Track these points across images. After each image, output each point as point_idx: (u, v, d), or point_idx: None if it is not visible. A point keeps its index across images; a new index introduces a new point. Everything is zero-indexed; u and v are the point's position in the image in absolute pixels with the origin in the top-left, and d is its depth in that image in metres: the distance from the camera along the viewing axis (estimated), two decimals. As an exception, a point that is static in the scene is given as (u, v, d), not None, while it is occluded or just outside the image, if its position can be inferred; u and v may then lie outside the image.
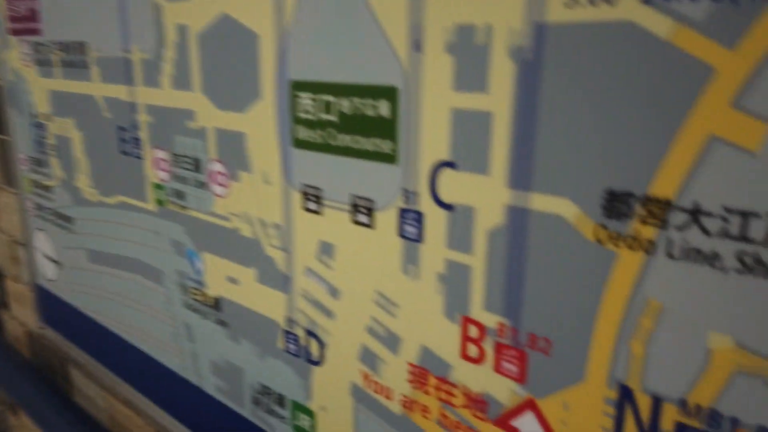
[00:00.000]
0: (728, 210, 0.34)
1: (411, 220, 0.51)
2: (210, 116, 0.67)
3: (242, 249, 0.68)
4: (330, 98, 0.53)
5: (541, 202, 0.42)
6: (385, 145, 0.50)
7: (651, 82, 0.35)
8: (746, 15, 0.32)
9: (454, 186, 0.47)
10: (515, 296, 0.45)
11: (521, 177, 0.43)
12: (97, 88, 0.85)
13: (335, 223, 0.57)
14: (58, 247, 1.09)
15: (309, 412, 0.67)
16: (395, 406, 0.57)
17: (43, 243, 1.14)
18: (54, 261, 1.12)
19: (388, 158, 0.51)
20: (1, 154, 1.24)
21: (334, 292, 0.59)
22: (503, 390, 0.48)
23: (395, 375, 0.56)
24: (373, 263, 0.55)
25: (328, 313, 0.61)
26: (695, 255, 0.36)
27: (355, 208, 0.55)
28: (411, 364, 0.54)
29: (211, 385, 0.81)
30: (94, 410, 1.18)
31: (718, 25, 0.33)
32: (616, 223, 0.39)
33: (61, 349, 1.22)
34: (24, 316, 1.39)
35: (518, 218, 0.43)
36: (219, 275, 0.73)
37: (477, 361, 0.49)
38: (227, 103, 0.65)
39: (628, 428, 0.41)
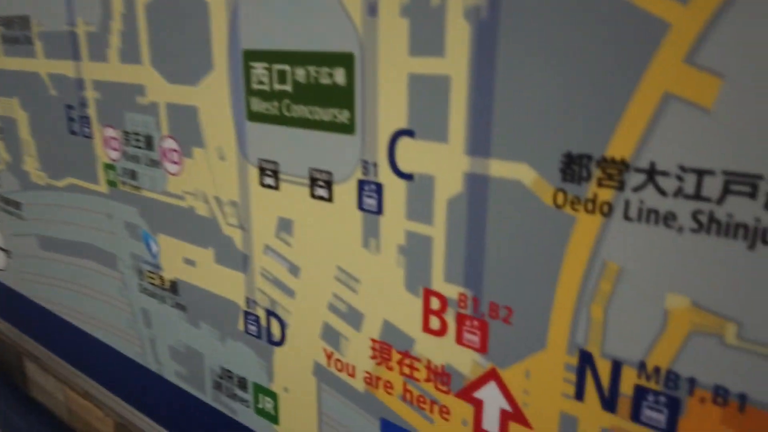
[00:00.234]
0: (683, 169, 0.34)
1: (370, 191, 0.49)
2: (161, 90, 0.64)
3: (198, 229, 0.66)
4: (284, 67, 0.52)
5: (499, 169, 0.41)
6: (342, 115, 0.49)
7: (607, 40, 0.35)
8: (701, -31, 0.31)
9: (412, 155, 0.46)
10: (476, 265, 0.44)
11: (480, 143, 0.42)
12: (41, 65, 0.80)
13: (293, 198, 0.55)
14: (7, 235, 1.04)
15: (272, 395, 0.65)
16: (359, 384, 0.56)
17: (-10, 231, 1.09)
18: (2, 249, 1.07)
19: (346, 128, 0.49)
20: (-57, 139, 1.17)
21: (294, 269, 0.58)
22: (466, 361, 0.47)
23: (358, 352, 0.55)
24: (333, 238, 0.53)
25: (288, 291, 0.59)
26: (651, 215, 0.35)
27: (314, 182, 0.53)
28: (374, 340, 0.53)
29: (171, 371, 0.79)
30: (52, 404, 1.14)
31: (673, -20, 0.32)
32: (575, 187, 0.38)
33: (15, 342, 1.17)
34: (-26, 310, 1.33)
35: (477, 186, 0.43)
36: (175, 257, 0.71)
37: (439, 333, 0.48)
38: (178, 76, 0.62)
39: (588, 394, 0.41)
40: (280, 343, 0.62)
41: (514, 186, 0.41)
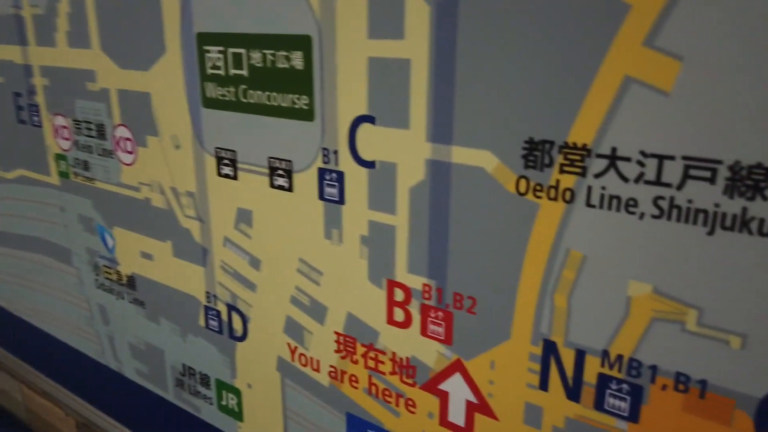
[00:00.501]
0: (644, 154, 0.33)
1: (331, 180, 0.48)
2: (112, 76, 0.61)
3: (155, 221, 0.64)
4: (240, 51, 0.49)
5: (462, 156, 0.40)
6: (300, 101, 0.47)
7: (568, 23, 0.34)
8: (661, -52, 0.30)
9: (374, 142, 0.44)
10: (439, 255, 0.44)
11: (442, 130, 0.41)
12: (-14, 50, 0.76)
13: (252, 188, 0.53)
14: (-44, 230, 0.99)
15: (235, 391, 0.63)
16: (324, 378, 0.55)
17: (-62, 227, 1.04)
18: (-48, 246, 1.02)
19: (305, 115, 0.47)
20: None
21: (254, 262, 0.56)
22: (431, 353, 0.47)
23: (322, 346, 0.54)
24: (295, 229, 0.52)
25: (249, 285, 0.57)
26: (613, 202, 0.35)
27: (273, 171, 0.51)
28: (338, 334, 0.52)
29: (131, 369, 0.76)
30: (10, 405, 1.10)
31: (634, -41, 0.31)
32: (537, 174, 0.37)
33: (-32, 342, 1.12)
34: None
35: (440, 173, 0.42)
36: (132, 251, 0.68)
37: (404, 325, 0.47)
38: (129, 61, 0.59)
39: (553, 384, 0.41)
40: (242, 339, 0.60)
41: (477, 173, 0.40)
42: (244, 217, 0.55)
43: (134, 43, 0.58)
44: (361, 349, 0.51)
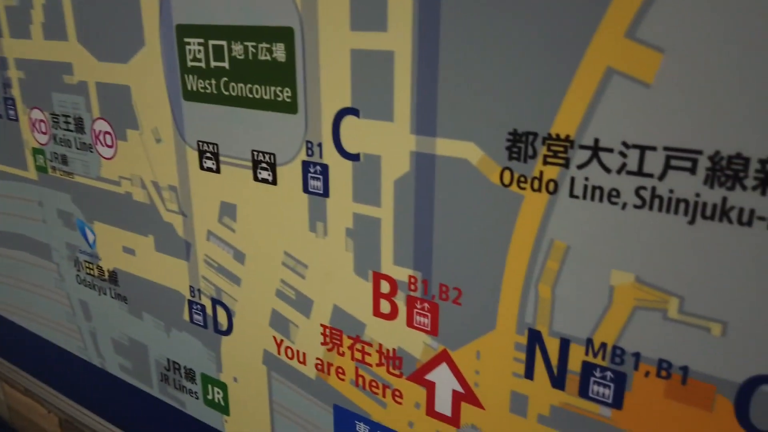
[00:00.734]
0: (626, 145, 0.33)
1: (316, 173, 0.48)
2: (89, 69, 0.60)
3: (137, 216, 0.63)
4: (221, 43, 0.49)
5: (446, 148, 0.40)
6: (283, 94, 0.47)
7: (551, 15, 0.34)
8: (643, -60, 0.30)
9: (358, 135, 0.44)
10: (425, 247, 0.44)
11: (426, 122, 0.41)
12: (-43, 42, 0.74)
13: (236, 181, 0.53)
14: (-70, 227, 0.97)
15: (221, 385, 0.63)
16: (310, 371, 0.55)
17: None
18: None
19: (288, 107, 0.47)
20: None
21: (239, 256, 0.56)
22: (417, 344, 0.47)
23: (308, 338, 0.54)
24: (279, 223, 0.51)
25: (234, 279, 0.57)
26: (596, 192, 0.35)
27: (256, 164, 0.51)
28: (324, 326, 0.52)
29: (114, 365, 0.75)
30: (-10, 403, 1.08)
31: (615, -49, 0.31)
32: (521, 165, 0.37)
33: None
34: None
35: (424, 165, 0.42)
36: (114, 246, 0.67)
37: (390, 317, 0.48)
38: (108, 53, 0.58)
39: (538, 372, 0.41)
40: (227, 333, 0.60)
41: (461, 165, 0.40)
42: (227, 210, 0.55)
43: (112, 35, 0.57)
44: (347, 342, 0.51)
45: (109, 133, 0.62)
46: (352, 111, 0.44)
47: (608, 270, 0.36)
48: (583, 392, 0.39)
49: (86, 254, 0.71)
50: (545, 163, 0.36)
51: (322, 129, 0.46)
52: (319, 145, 0.46)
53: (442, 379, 0.46)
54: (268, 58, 0.46)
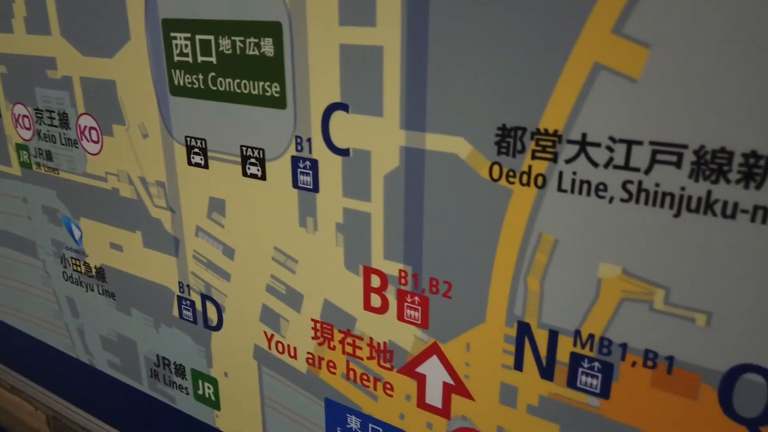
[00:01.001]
0: (613, 139, 0.34)
1: (305, 168, 0.48)
2: (74, 63, 0.59)
3: (124, 211, 0.62)
4: (208, 37, 0.48)
5: (436, 143, 0.40)
6: (272, 89, 0.46)
7: (539, 10, 0.34)
8: (629, -64, 0.31)
9: (347, 130, 0.44)
10: (415, 241, 0.44)
11: (415, 117, 0.41)
12: (-64, 36, 0.73)
13: (224, 176, 0.53)
14: None
15: (212, 380, 0.63)
16: (301, 365, 0.55)
17: None
18: None
19: (277, 102, 0.47)
20: None
21: (228, 251, 0.56)
22: (408, 337, 0.47)
23: (299, 333, 0.54)
24: (269, 218, 0.51)
25: (223, 274, 0.57)
26: (584, 186, 0.36)
27: (245, 160, 0.51)
28: (315, 321, 0.52)
29: (103, 361, 0.75)
30: (-24, 401, 1.07)
31: (602, -53, 0.32)
32: (510, 160, 0.38)
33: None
34: None
35: (414, 160, 0.42)
36: (101, 242, 0.67)
37: (380, 310, 0.48)
38: (92, 48, 0.57)
39: (527, 364, 0.42)
40: (217, 328, 0.60)
41: (451, 160, 0.40)
42: (216, 206, 0.55)
43: (96, 29, 0.56)
44: (338, 336, 0.51)
45: (94, 128, 0.61)
46: (342, 106, 0.44)
47: (596, 263, 0.37)
48: (572, 383, 0.40)
49: (73, 251, 0.71)
50: (534, 157, 0.37)
51: (311, 124, 0.46)
52: (309, 140, 0.46)
53: (433, 371, 0.47)
54: (257, 53, 0.46)
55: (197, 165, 0.54)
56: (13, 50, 0.65)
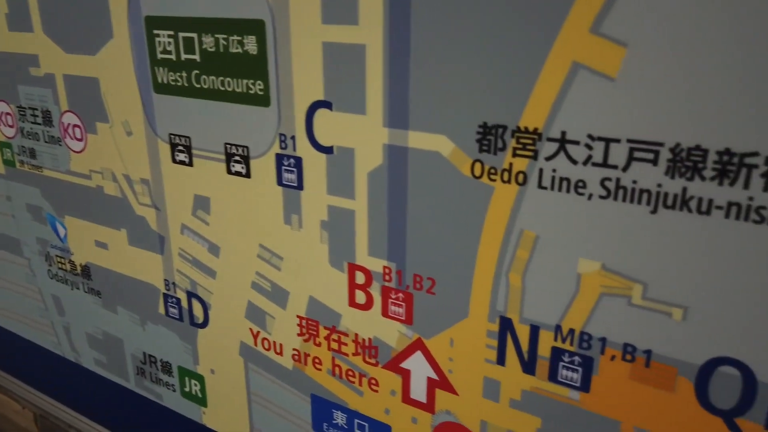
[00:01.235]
0: (592, 137, 0.34)
1: (289, 166, 0.48)
2: (57, 61, 0.59)
3: (109, 209, 0.62)
4: (191, 35, 0.48)
5: (418, 140, 0.41)
6: (256, 86, 0.47)
7: (518, 10, 0.34)
8: (606, -64, 0.31)
9: (331, 127, 0.44)
10: (399, 238, 0.44)
11: (398, 115, 0.41)
12: None
13: (209, 174, 0.53)
14: None
15: (198, 377, 0.63)
16: (287, 361, 0.55)
17: None
18: None
19: (261, 100, 0.47)
20: None
21: (214, 249, 0.56)
22: (392, 333, 0.48)
23: (285, 330, 0.54)
24: (254, 215, 0.51)
25: (209, 272, 0.57)
26: (563, 183, 0.36)
27: (230, 157, 0.51)
28: (300, 317, 0.53)
29: (89, 359, 0.75)
30: (-39, 401, 1.07)
31: (580, -53, 0.32)
32: (491, 157, 0.38)
33: None
34: None
35: (397, 158, 0.42)
36: (86, 240, 0.66)
37: (365, 307, 0.48)
38: (75, 45, 0.57)
39: (509, 358, 0.42)
40: (203, 325, 0.60)
41: (433, 158, 0.41)
42: (201, 203, 0.55)
43: (79, 26, 0.56)
44: (323, 332, 0.52)
45: (78, 126, 0.61)
46: (325, 104, 0.44)
47: (575, 258, 0.37)
48: (553, 377, 0.41)
49: (57, 249, 0.70)
50: (514, 155, 0.37)
51: (295, 122, 0.46)
52: (293, 138, 0.46)
53: (417, 366, 0.47)
54: (240, 50, 0.46)
55: (182, 163, 0.54)
56: (-5, 47, 0.64)
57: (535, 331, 0.41)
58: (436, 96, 0.39)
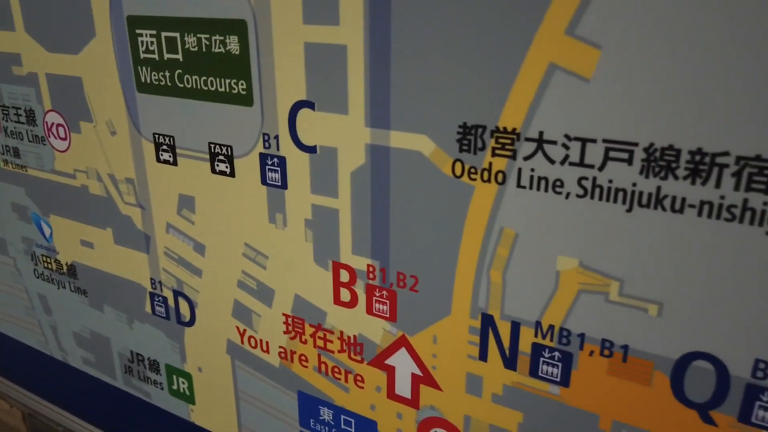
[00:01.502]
0: (569, 137, 0.35)
1: (273, 165, 0.48)
2: (39, 60, 0.59)
3: (94, 209, 0.62)
4: (174, 35, 0.48)
5: (400, 140, 0.41)
6: (239, 86, 0.47)
7: (496, 12, 0.35)
8: (581, -61, 0.32)
9: (314, 127, 0.45)
10: (382, 237, 0.45)
11: (380, 115, 0.41)
12: None
13: (193, 173, 0.53)
14: None
15: (186, 375, 0.64)
16: (274, 359, 0.56)
17: None
18: None
19: (244, 100, 0.47)
20: None
21: (199, 248, 0.56)
22: (377, 330, 0.48)
23: (271, 328, 0.54)
24: (238, 214, 0.52)
25: (195, 270, 0.57)
26: (542, 183, 0.37)
27: (214, 157, 0.51)
28: (286, 315, 0.53)
29: (77, 358, 0.75)
30: (-51, 400, 1.06)
31: (556, -50, 0.32)
32: (471, 157, 0.39)
33: None
34: None
35: (379, 157, 0.42)
36: (71, 239, 0.66)
37: (350, 305, 0.49)
38: (57, 44, 0.57)
39: (491, 354, 0.43)
40: (190, 324, 0.60)
41: (415, 157, 0.41)
42: (186, 203, 0.55)
43: (61, 25, 0.55)
44: (309, 330, 0.52)
45: (62, 125, 0.60)
46: (308, 104, 0.44)
47: (554, 256, 0.38)
48: (534, 372, 0.41)
49: (43, 248, 0.70)
50: (494, 155, 0.38)
51: (278, 121, 0.46)
52: (276, 137, 0.47)
53: (402, 363, 0.48)
54: (222, 50, 0.46)
55: (166, 162, 0.54)
56: (-23, 45, 0.64)
57: (516, 327, 0.41)
58: (417, 96, 0.39)
